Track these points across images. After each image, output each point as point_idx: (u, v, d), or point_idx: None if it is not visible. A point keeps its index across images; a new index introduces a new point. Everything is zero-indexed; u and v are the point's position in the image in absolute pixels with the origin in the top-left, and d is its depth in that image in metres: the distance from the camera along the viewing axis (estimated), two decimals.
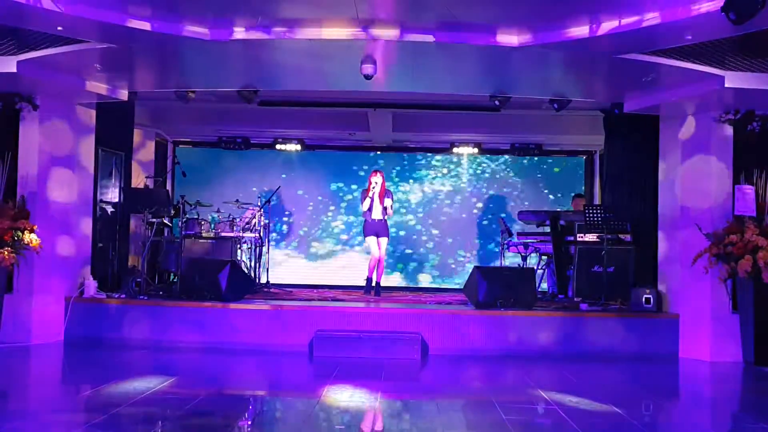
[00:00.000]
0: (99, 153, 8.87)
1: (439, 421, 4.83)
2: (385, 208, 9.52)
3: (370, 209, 9.51)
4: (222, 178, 12.52)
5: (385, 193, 9.56)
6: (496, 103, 8.41)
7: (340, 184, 12.56)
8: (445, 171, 12.60)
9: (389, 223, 9.87)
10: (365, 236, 9.71)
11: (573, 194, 11.34)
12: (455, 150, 12.09)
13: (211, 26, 6.46)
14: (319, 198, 12.60)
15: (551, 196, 12.47)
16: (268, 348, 7.68)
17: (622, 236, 8.75)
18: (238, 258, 9.86)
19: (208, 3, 6.01)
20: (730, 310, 7.66)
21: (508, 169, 12.57)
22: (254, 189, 12.35)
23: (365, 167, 12.46)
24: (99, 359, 6.91)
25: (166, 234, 10.25)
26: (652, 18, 5.78)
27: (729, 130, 7.81)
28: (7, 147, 7.82)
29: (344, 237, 12.54)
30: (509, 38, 6.52)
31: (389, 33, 6.48)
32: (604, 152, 10.38)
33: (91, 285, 8.25)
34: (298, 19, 6.34)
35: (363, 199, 9.58)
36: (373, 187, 9.50)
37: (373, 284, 9.66)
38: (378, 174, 9.60)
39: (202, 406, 5.01)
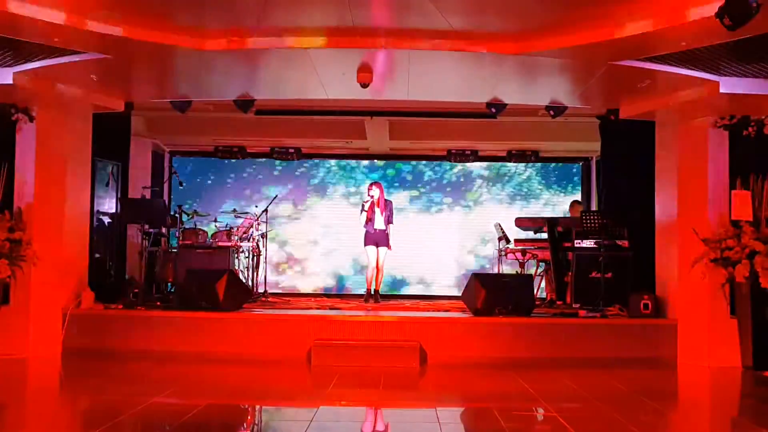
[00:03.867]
0: (96, 163, 8.87)
1: (439, 429, 4.82)
2: (387, 218, 9.62)
3: (372, 220, 9.61)
4: (219, 188, 12.53)
5: (385, 204, 9.66)
6: (493, 110, 8.44)
7: (338, 193, 12.58)
8: (441, 178, 12.62)
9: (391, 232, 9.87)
10: (365, 245, 9.75)
11: (571, 200, 11.35)
12: (452, 157, 12.12)
13: (207, 36, 6.47)
14: (316, 205, 12.60)
15: (548, 203, 12.49)
16: (266, 357, 7.66)
17: (619, 242, 8.75)
18: (236, 267, 9.85)
19: (204, 13, 6.02)
20: (728, 315, 7.66)
21: (504, 176, 12.59)
22: (251, 198, 12.37)
23: (363, 175, 12.49)
24: (97, 370, 6.89)
25: (163, 244, 10.24)
26: (647, 25, 5.80)
27: (725, 135, 7.83)
28: (3, 158, 7.80)
29: (341, 245, 12.53)
30: (505, 45, 6.54)
31: (385, 41, 6.50)
32: (601, 158, 10.40)
33: (89, 296, 8.23)
34: (294, 27, 6.35)
35: (362, 211, 9.70)
36: (368, 200, 9.63)
37: (372, 292, 9.69)
38: (376, 186, 9.74)
39: (199, 417, 4.99)
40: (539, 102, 8.55)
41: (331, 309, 8.90)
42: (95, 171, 8.88)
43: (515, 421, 4.99)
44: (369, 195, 9.68)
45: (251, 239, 10.18)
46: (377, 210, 9.63)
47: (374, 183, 9.92)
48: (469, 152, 12.08)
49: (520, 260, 10.10)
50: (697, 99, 7.29)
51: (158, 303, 8.66)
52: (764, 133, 7.69)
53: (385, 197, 9.91)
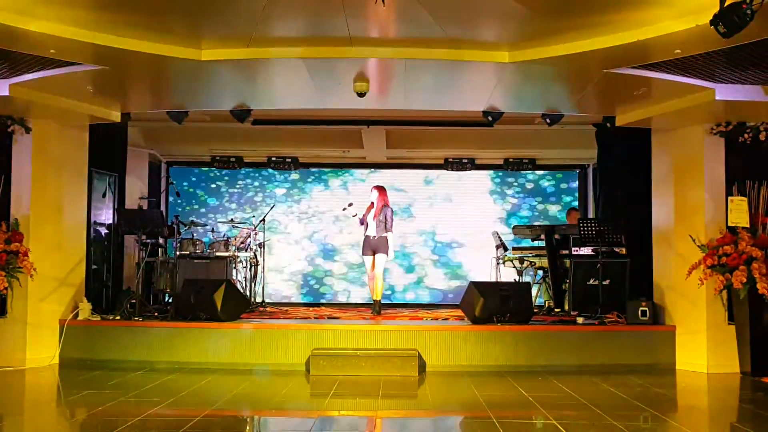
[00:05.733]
0: (92, 174, 8.86)
1: None
2: (383, 223, 9.28)
3: (366, 225, 9.36)
4: (216, 198, 12.54)
5: (380, 209, 9.33)
6: (489, 118, 8.45)
7: (335, 202, 12.58)
8: (438, 186, 12.64)
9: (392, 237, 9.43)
10: (362, 254, 9.50)
11: (568, 208, 11.36)
12: (449, 165, 12.14)
13: (204, 46, 6.48)
14: (315, 215, 12.61)
15: (545, 210, 12.50)
16: (264, 367, 7.65)
17: (617, 249, 8.75)
18: (233, 277, 9.82)
19: (200, 23, 6.03)
20: (726, 321, 7.68)
21: (501, 184, 12.61)
22: (248, 208, 12.37)
23: (360, 184, 12.50)
24: (94, 381, 6.86)
25: (160, 254, 10.22)
26: (641, 32, 5.83)
27: (721, 141, 7.86)
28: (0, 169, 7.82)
29: (339, 254, 12.54)
30: (501, 54, 6.57)
31: (381, 51, 6.51)
32: (598, 166, 10.41)
33: (86, 307, 8.21)
34: (291, 38, 6.36)
35: (365, 215, 9.41)
36: (373, 203, 9.37)
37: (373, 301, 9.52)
38: (375, 189, 9.47)
39: (197, 427, 4.97)
40: (535, 110, 8.57)
41: (329, 318, 8.89)
42: (92, 181, 8.86)
43: (514, 429, 4.98)
44: (372, 197, 9.40)
45: (249, 249, 10.16)
46: (371, 214, 9.32)
47: (374, 186, 9.57)
48: (466, 160, 12.12)
49: (518, 268, 10.10)
50: (692, 106, 7.31)
51: (155, 314, 8.62)
52: (760, 140, 7.73)
53: (386, 202, 9.43)
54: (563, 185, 12.55)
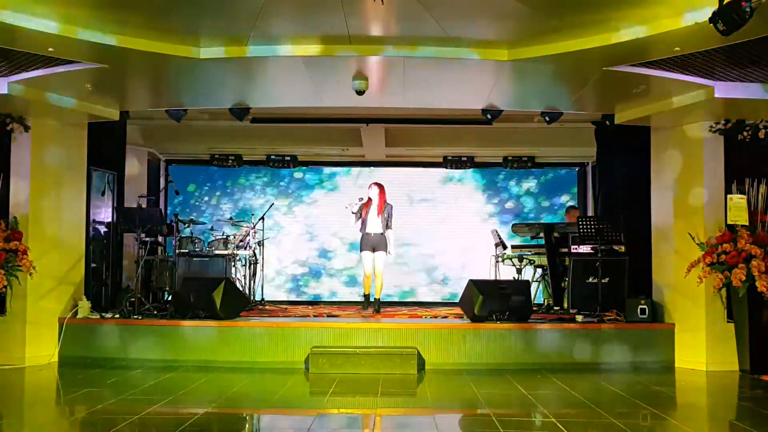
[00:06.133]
0: (91, 173, 8.85)
1: None
2: (386, 221, 9.09)
3: (366, 221, 9.15)
4: (215, 196, 12.53)
5: (383, 207, 9.14)
6: (488, 116, 8.44)
7: (334, 199, 12.57)
8: (437, 185, 12.63)
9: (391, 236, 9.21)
10: (360, 251, 9.24)
11: (567, 206, 11.35)
12: (448, 164, 12.13)
13: (202, 44, 6.48)
14: (314, 213, 12.60)
15: (545, 209, 12.50)
16: (263, 365, 7.65)
17: (616, 247, 8.75)
18: (232, 275, 9.82)
19: (199, 21, 6.02)
20: (725, 319, 7.68)
21: (501, 182, 12.61)
22: (247, 206, 12.37)
23: (360, 182, 12.49)
24: (93, 379, 6.86)
25: (159, 253, 10.21)
26: (641, 30, 5.82)
27: (720, 139, 7.86)
28: None
29: (339, 253, 12.53)
30: (500, 52, 6.56)
31: (380, 49, 6.51)
32: (597, 163, 10.41)
33: (85, 305, 8.21)
34: (289, 35, 6.36)
35: (352, 213, 9.18)
36: (357, 203, 9.16)
37: (371, 300, 9.38)
38: (375, 186, 9.25)
39: (197, 426, 4.97)
40: (534, 108, 8.56)
41: (328, 316, 8.89)
42: (91, 180, 8.85)
43: (513, 427, 4.98)
44: (370, 194, 9.19)
45: (248, 247, 10.16)
46: (374, 211, 9.12)
47: (374, 183, 9.35)
48: (465, 159, 12.11)
49: (517, 266, 10.10)
50: (692, 104, 7.31)
51: (155, 312, 8.61)
52: (759, 138, 7.73)
53: (386, 200, 9.23)
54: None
